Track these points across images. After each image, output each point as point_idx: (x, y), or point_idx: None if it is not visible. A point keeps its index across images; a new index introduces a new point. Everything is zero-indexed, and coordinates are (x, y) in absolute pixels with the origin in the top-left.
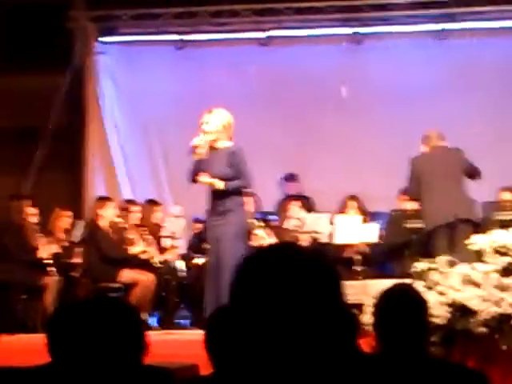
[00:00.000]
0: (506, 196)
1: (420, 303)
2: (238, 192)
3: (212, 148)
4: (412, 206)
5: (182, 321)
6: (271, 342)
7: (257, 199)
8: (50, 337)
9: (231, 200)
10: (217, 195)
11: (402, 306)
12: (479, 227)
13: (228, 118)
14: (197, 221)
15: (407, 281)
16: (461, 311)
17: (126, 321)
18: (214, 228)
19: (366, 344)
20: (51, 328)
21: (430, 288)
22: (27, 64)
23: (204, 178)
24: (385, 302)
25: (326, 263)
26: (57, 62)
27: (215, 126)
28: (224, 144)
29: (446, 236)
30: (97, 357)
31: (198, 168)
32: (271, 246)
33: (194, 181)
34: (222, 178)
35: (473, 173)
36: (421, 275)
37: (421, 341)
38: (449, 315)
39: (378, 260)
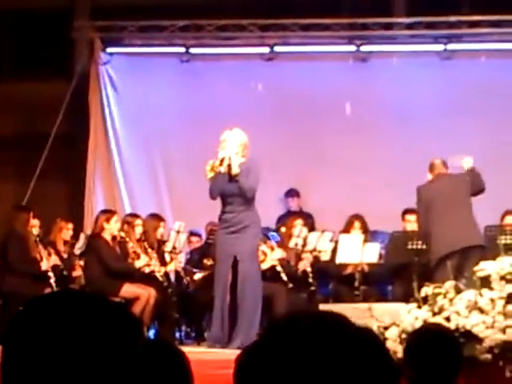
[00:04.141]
0: (511, 220)
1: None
2: (254, 208)
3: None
4: (414, 227)
5: (178, 334)
6: None
7: None
8: None
9: (248, 216)
10: (233, 210)
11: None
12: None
13: (246, 138)
14: (194, 235)
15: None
16: (466, 337)
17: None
18: (229, 243)
19: None
20: None
21: (435, 313)
22: (31, 72)
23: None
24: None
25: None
26: (61, 70)
27: (236, 144)
28: (241, 161)
29: (455, 262)
30: None
31: (218, 185)
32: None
33: (215, 198)
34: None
35: (478, 189)
36: (426, 300)
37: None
38: None
39: (378, 280)
